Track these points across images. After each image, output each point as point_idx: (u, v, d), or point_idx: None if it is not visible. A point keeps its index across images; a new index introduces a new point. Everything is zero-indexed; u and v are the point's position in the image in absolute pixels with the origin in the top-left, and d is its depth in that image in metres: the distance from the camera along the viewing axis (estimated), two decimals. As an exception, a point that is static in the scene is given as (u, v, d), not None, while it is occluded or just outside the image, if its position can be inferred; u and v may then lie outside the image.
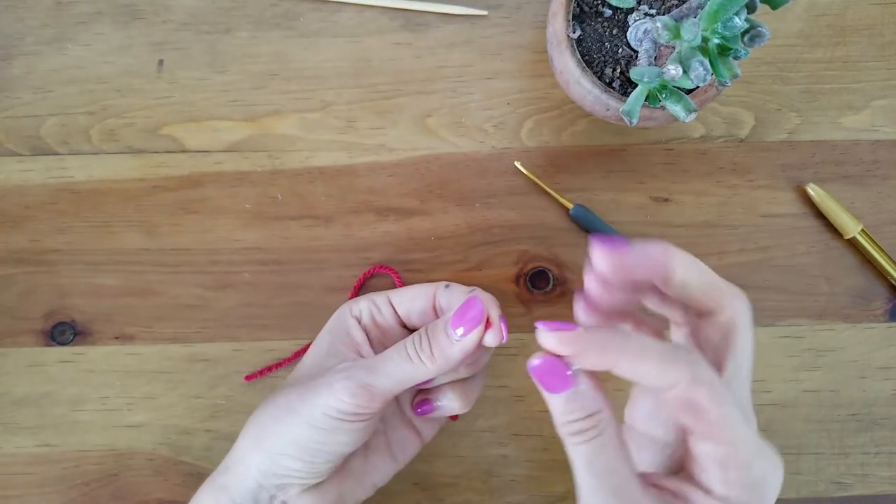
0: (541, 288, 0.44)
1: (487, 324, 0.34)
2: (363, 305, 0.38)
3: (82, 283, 0.43)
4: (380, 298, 0.39)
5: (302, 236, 0.44)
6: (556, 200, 0.44)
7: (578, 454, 0.28)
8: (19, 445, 0.43)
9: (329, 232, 0.44)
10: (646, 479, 0.29)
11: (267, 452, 0.34)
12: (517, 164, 0.44)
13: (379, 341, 0.39)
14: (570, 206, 0.43)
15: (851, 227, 0.43)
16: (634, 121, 0.35)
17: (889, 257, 0.43)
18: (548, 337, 0.28)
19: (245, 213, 0.44)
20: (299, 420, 0.33)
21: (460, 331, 0.33)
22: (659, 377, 0.27)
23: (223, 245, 0.43)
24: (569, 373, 0.28)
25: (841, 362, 0.44)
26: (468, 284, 0.43)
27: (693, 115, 0.33)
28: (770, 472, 0.29)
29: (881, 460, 0.44)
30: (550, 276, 0.44)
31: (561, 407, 0.28)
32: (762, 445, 0.29)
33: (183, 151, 0.44)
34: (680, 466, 0.31)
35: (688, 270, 0.30)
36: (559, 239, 0.44)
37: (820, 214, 0.44)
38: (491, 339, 0.34)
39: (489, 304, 0.34)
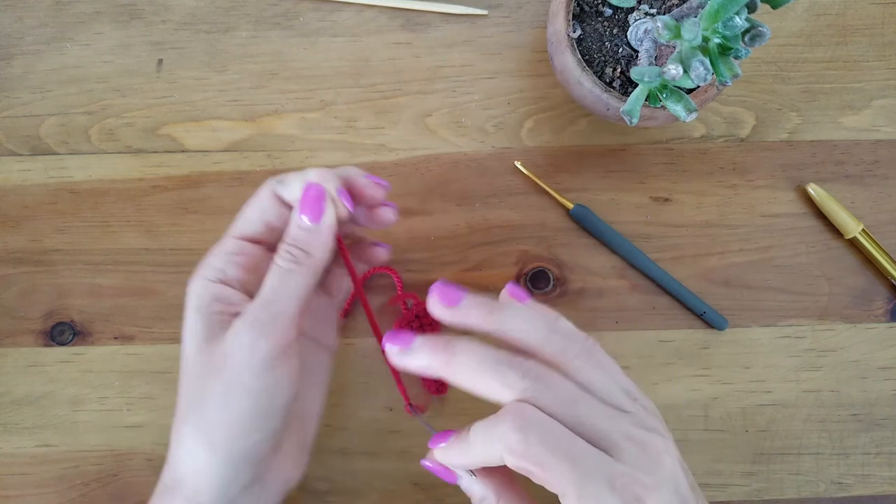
0: (541, 288, 0.44)
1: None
2: (217, 263, 0.34)
3: (82, 283, 0.43)
4: (227, 244, 0.34)
5: (302, 236, 0.44)
6: (556, 200, 0.44)
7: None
8: (19, 445, 0.42)
9: (329, 232, 0.44)
10: None
11: (221, 452, 0.32)
12: (517, 164, 0.44)
13: (255, 283, 0.34)
14: (570, 206, 0.43)
15: (852, 227, 0.43)
16: (635, 120, 0.35)
17: (890, 257, 0.43)
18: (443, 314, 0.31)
19: (245, 213, 0.44)
20: (235, 394, 0.31)
21: (307, 218, 0.33)
22: (482, 465, 0.31)
23: (223, 245, 0.43)
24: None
25: (841, 362, 0.44)
26: (468, 284, 0.43)
27: (693, 115, 0.33)
28: (649, 486, 0.29)
29: (882, 460, 0.44)
30: (550, 276, 0.44)
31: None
32: (633, 455, 0.29)
33: (182, 151, 0.44)
34: None
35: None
36: (559, 239, 0.44)
37: (820, 214, 0.44)
38: (340, 213, 0.34)
39: (325, 180, 0.33)
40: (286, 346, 0.32)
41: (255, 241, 0.35)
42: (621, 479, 0.28)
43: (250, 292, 0.34)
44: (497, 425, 0.29)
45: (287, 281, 0.32)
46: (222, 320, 0.32)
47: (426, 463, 0.33)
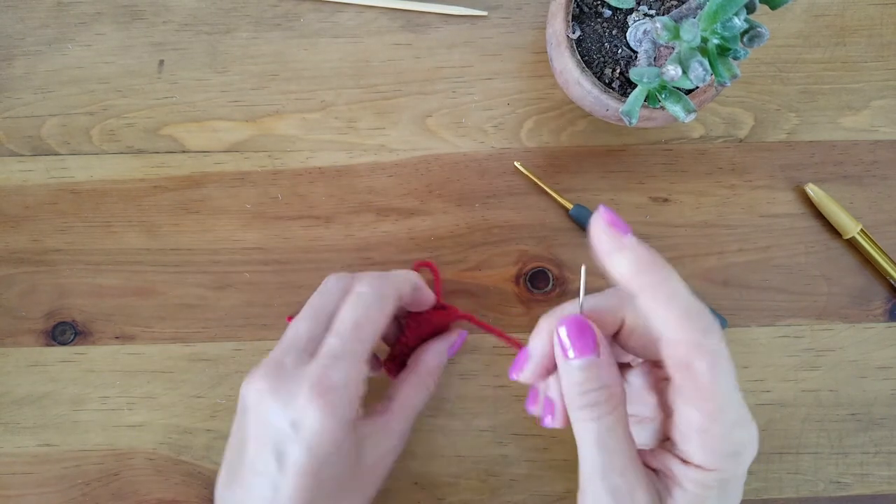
0: (540, 288, 0.44)
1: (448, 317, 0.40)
2: (361, 392, 0.33)
3: (83, 282, 0.43)
4: (364, 370, 0.33)
5: (302, 236, 0.44)
6: (556, 200, 0.44)
7: (589, 430, 0.28)
8: (20, 445, 0.43)
9: (329, 232, 0.44)
10: (646, 459, 0.30)
11: None
12: (517, 164, 0.44)
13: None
14: (569, 206, 0.43)
15: (851, 227, 0.43)
16: (634, 121, 0.35)
17: (888, 257, 0.43)
18: (604, 232, 0.28)
19: (246, 213, 0.44)
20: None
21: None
22: (674, 327, 0.27)
23: (224, 245, 0.44)
24: (594, 337, 0.29)
25: (840, 362, 0.44)
26: (468, 284, 0.43)
27: (692, 116, 0.33)
28: (748, 441, 0.29)
29: (880, 460, 0.44)
30: (550, 276, 0.44)
31: (578, 376, 0.29)
32: (744, 415, 0.29)
33: (183, 152, 0.44)
34: (663, 440, 0.32)
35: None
36: (559, 239, 0.44)
37: (819, 214, 0.44)
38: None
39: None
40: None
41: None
42: (738, 400, 0.29)
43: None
44: (712, 328, 0.28)
45: (424, 399, 0.39)
46: (352, 418, 0.33)
47: (564, 322, 0.30)
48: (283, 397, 0.31)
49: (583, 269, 0.32)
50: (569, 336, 0.29)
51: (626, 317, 0.31)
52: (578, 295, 0.31)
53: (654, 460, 0.30)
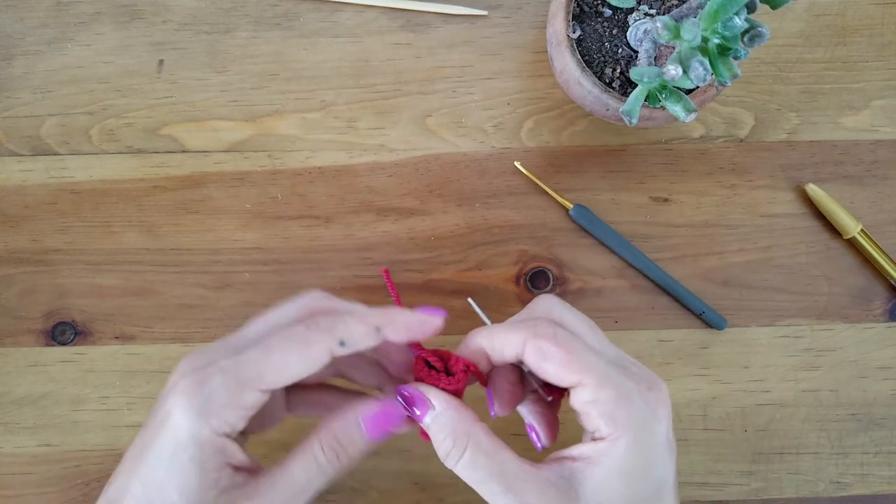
0: (540, 288, 0.44)
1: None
2: (231, 418, 0.29)
3: (83, 282, 0.43)
4: (249, 398, 0.30)
5: (302, 236, 0.44)
6: (556, 200, 0.44)
7: (463, 468, 0.30)
8: (19, 445, 0.43)
9: (329, 232, 0.44)
10: (551, 458, 0.32)
11: None
12: (517, 164, 0.44)
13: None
14: (569, 206, 0.43)
15: (851, 227, 0.43)
16: (634, 121, 0.35)
17: (888, 257, 0.43)
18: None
19: (245, 213, 0.44)
20: None
21: (368, 435, 0.32)
22: (508, 343, 0.31)
23: (223, 245, 0.44)
24: (426, 398, 0.31)
25: (840, 362, 0.44)
26: (468, 284, 0.43)
27: (693, 115, 0.33)
28: (636, 393, 0.30)
29: (881, 460, 0.44)
30: (550, 276, 0.44)
31: (431, 430, 0.31)
32: (637, 377, 0.31)
33: (183, 151, 0.44)
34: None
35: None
36: (559, 239, 0.44)
37: (819, 214, 0.44)
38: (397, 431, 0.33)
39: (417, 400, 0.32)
40: None
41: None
42: (635, 370, 0.31)
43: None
44: (529, 318, 0.33)
45: (317, 480, 0.31)
46: (216, 478, 0.29)
47: (404, 388, 0.32)
48: (174, 379, 0.31)
49: (470, 300, 0.38)
50: (408, 404, 0.32)
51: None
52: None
53: (570, 451, 0.31)
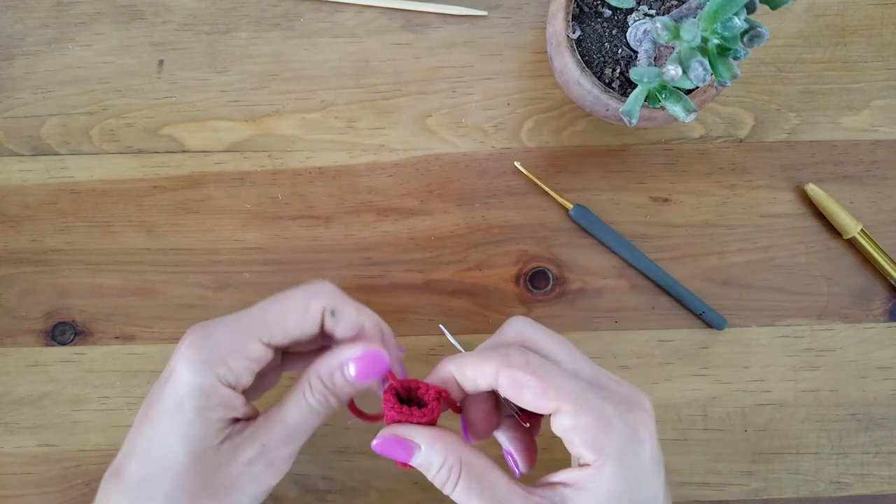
0: (540, 288, 0.44)
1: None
2: (236, 367, 0.31)
3: (83, 282, 0.43)
4: (253, 349, 0.31)
5: (302, 236, 0.44)
6: (556, 200, 0.44)
7: (458, 494, 0.30)
8: (19, 445, 0.43)
9: (329, 232, 0.44)
10: (542, 482, 0.31)
11: None
12: (517, 164, 0.44)
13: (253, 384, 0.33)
14: (569, 206, 0.43)
15: (851, 227, 0.43)
16: (634, 121, 0.35)
17: (888, 257, 0.43)
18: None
19: (245, 213, 0.44)
20: None
21: (355, 377, 0.32)
22: (480, 373, 0.31)
23: (224, 245, 0.44)
24: (408, 442, 0.31)
25: (840, 362, 0.44)
26: (468, 284, 0.43)
27: (692, 116, 0.33)
28: (633, 420, 0.30)
29: (881, 460, 0.44)
30: (550, 276, 0.44)
31: (422, 468, 0.31)
32: (617, 398, 0.31)
33: (183, 151, 0.44)
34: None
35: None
36: (559, 239, 0.44)
37: (819, 214, 0.44)
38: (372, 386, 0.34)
39: (386, 349, 0.33)
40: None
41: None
42: (616, 389, 0.31)
43: (245, 391, 0.33)
44: (500, 346, 0.32)
45: (311, 420, 0.32)
46: (220, 428, 0.31)
47: (380, 440, 0.31)
48: (181, 341, 0.32)
49: (442, 326, 0.37)
50: (389, 453, 0.31)
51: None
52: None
53: (559, 476, 0.31)
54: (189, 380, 0.30)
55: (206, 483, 0.30)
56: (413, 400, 0.32)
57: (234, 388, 0.31)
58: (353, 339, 0.33)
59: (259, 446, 0.31)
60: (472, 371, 0.31)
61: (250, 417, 0.33)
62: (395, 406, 0.32)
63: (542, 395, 0.30)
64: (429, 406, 0.32)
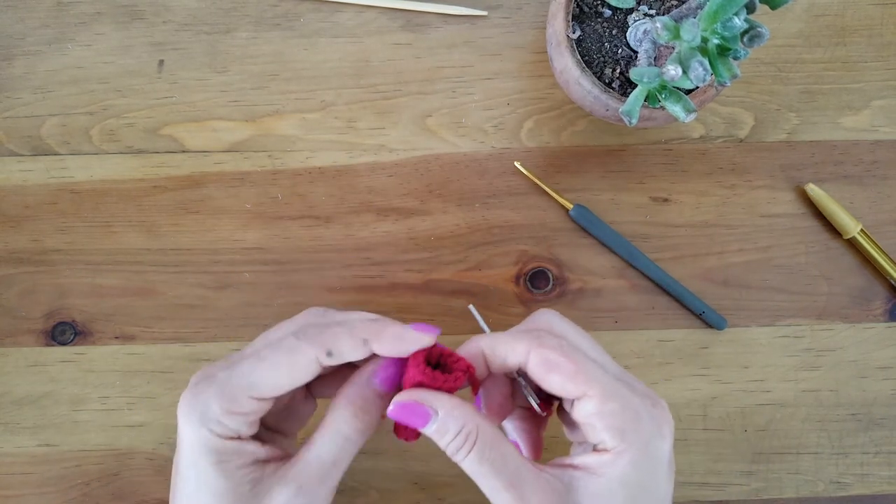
0: (540, 288, 0.44)
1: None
2: (232, 424, 0.30)
3: (83, 283, 0.43)
4: (245, 405, 0.30)
5: (302, 236, 0.44)
6: (556, 200, 0.44)
7: (470, 462, 0.30)
8: (19, 445, 0.43)
9: (329, 232, 0.44)
10: (552, 463, 0.32)
11: None
12: (517, 164, 0.44)
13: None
14: (569, 206, 0.43)
15: (851, 227, 0.43)
16: (634, 121, 0.35)
17: (888, 257, 0.43)
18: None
19: (245, 213, 0.44)
20: None
21: (379, 380, 0.32)
22: (512, 351, 0.31)
23: (224, 245, 0.44)
24: (425, 408, 0.30)
25: (840, 362, 0.44)
26: (468, 284, 0.43)
27: (692, 116, 0.33)
28: (643, 410, 0.30)
29: (881, 460, 0.44)
30: (550, 276, 0.44)
31: (436, 435, 0.30)
32: (641, 393, 0.31)
33: (183, 151, 0.44)
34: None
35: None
36: (559, 239, 0.44)
37: (819, 214, 0.44)
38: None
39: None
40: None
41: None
42: (638, 386, 0.31)
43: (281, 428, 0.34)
44: (532, 329, 0.32)
45: (347, 450, 0.31)
46: (245, 474, 0.31)
47: (397, 405, 0.30)
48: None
49: (471, 307, 0.36)
50: (406, 419, 0.30)
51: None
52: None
53: (573, 459, 0.31)
54: (192, 440, 0.30)
55: None
56: (440, 367, 0.32)
57: (239, 438, 0.31)
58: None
59: (294, 487, 0.30)
60: (503, 348, 0.31)
61: (281, 457, 0.32)
62: (424, 369, 0.31)
63: (573, 379, 0.30)
64: (454, 374, 0.31)
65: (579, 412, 0.30)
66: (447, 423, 0.30)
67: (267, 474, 0.31)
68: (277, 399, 0.32)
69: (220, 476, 0.30)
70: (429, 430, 0.30)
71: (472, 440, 0.30)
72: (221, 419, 0.30)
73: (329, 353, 0.31)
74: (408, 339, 0.31)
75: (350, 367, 0.34)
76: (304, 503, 0.30)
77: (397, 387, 0.32)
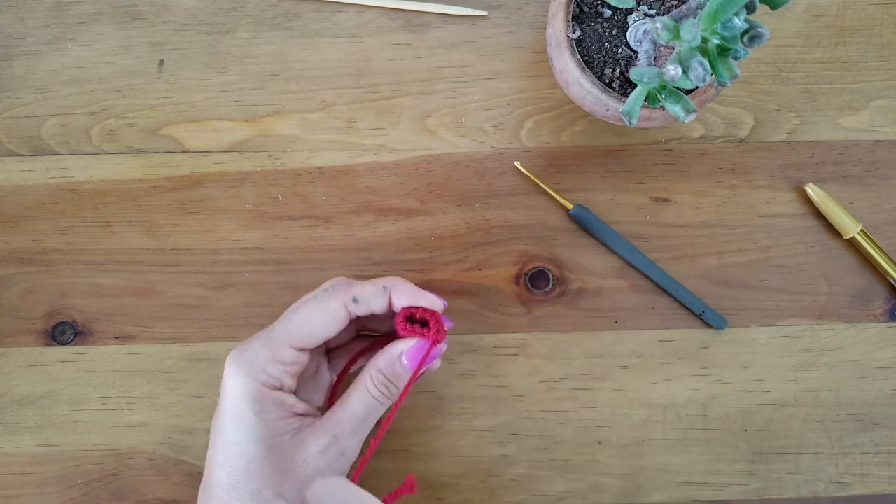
0: (540, 288, 0.44)
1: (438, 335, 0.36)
2: (274, 372, 0.34)
3: (83, 283, 0.43)
4: (285, 354, 0.35)
5: (302, 236, 0.44)
6: (556, 200, 0.44)
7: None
8: (20, 445, 0.43)
9: (329, 232, 0.44)
10: None
11: None
12: (517, 164, 0.44)
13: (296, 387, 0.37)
14: (569, 206, 0.43)
15: (851, 227, 0.43)
16: (634, 121, 0.35)
17: (888, 257, 0.43)
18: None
19: (245, 213, 0.44)
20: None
21: (408, 365, 0.36)
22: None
23: (224, 245, 0.44)
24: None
25: (840, 362, 0.44)
26: (468, 284, 0.43)
27: (692, 116, 0.33)
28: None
29: (880, 460, 0.44)
30: (550, 276, 0.44)
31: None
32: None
33: (183, 151, 0.44)
34: None
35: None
36: (559, 239, 0.44)
37: (819, 214, 0.44)
38: (432, 368, 0.39)
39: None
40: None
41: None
42: None
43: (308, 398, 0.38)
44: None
45: (375, 411, 0.36)
46: (283, 425, 0.34)
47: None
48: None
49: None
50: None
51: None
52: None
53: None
54: (237, 389, 0.34)
55: (285, 474, 0.34)
56: (419, 322, 0.37)
57: (280, 389, 0.35)
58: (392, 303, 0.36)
59: (330, 436, 0.34)
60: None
61: (316, 415, 0.36)
62: (408, 327, 0.36)
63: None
64: (430, 326, 0.36)
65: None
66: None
67: (305, 425, 0.35)
68: (310, 361, 0.36)
69: (262, 423, 0.33)
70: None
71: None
72: (267, 368, 0.34)
73: (355, 300, 0.35)
74: (422, 295, 0.36)
75: (358, 340, 0.41)
76: (338, 450, 0.35)
77: (421, 367, 0.36)
